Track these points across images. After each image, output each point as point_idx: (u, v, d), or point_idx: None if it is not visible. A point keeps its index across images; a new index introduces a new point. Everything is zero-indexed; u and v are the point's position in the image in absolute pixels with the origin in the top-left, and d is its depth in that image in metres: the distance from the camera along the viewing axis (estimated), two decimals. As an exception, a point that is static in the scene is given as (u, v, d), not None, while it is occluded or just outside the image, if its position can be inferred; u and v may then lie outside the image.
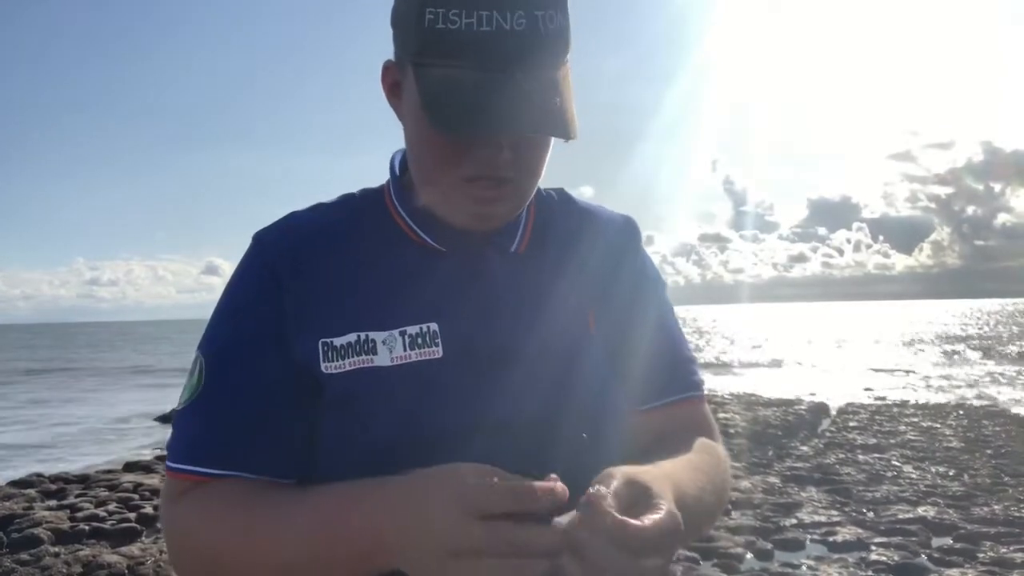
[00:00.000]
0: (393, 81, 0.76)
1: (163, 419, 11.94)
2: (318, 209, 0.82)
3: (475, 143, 0.69)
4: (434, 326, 0.73)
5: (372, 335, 0.72)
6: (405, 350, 0.72)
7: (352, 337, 0.72)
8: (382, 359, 0.71)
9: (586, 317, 0.78)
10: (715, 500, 0.76)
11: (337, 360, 0.72)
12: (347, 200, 0.83)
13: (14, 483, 6.61)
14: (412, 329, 0.73)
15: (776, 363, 20.78)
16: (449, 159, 0.71)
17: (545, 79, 0.69)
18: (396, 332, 0.73)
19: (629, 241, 0.87)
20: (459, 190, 0.72)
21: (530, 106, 0.67)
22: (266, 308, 0.74)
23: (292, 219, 0.80)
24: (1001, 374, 16.37)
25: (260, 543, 0.66)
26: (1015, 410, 10.30)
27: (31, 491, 6.21)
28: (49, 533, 4.83)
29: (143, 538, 4.91)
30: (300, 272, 0.75)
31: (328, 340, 0.72)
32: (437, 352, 0.72)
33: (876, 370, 17.17)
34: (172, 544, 0.73)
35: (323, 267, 0.76)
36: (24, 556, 4.44)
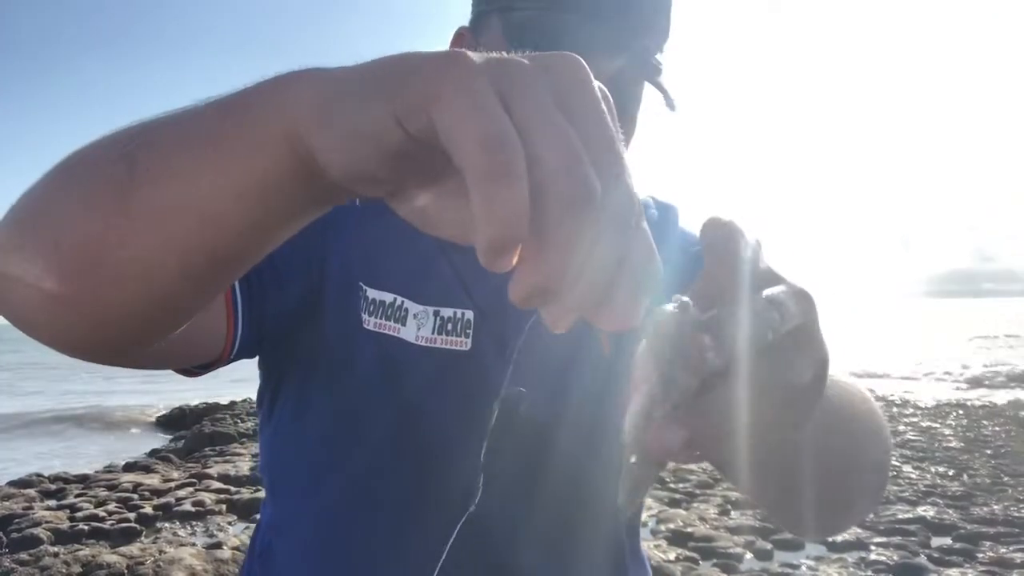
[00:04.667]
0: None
1: (163, 421, 11.94)
2: None
3: None
4: (469, 314, 0.68)
5: (408, 304, 0.67)
6: (433, 332, 0.67)
7: (389, 297, 0.67)
8: (408, 333, 0.66)
9: (598, 334, 0.73)
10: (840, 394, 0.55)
11: (366, 315, 0.67)
12: None
13: (14, 483, 6.60)
14: (446, 312, 0.68)
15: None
16: None
17: (643, 43, 0.62)
18: (431, 310, 0.67)
19: (664, 234, 0.79)
20: None
21: (630, 53, 0.60)
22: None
23: None
24: (1001, 374, 16.36)
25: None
26: (1015, 410, 10.29)
27: (31, 491, 6.20)
28: (49, 533, 4.83)
29: (143, 538, 4.91)
30: (359, 209, 0.69)
31: (364, 288, 0.67)
32: (465, 344, 0.67)
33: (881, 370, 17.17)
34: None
35: (377, 215, 0.69)
36: (24, 556, 4.44)
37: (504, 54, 0.30)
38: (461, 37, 0.71)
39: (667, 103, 0.65)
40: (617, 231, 0.28)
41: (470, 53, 0.30)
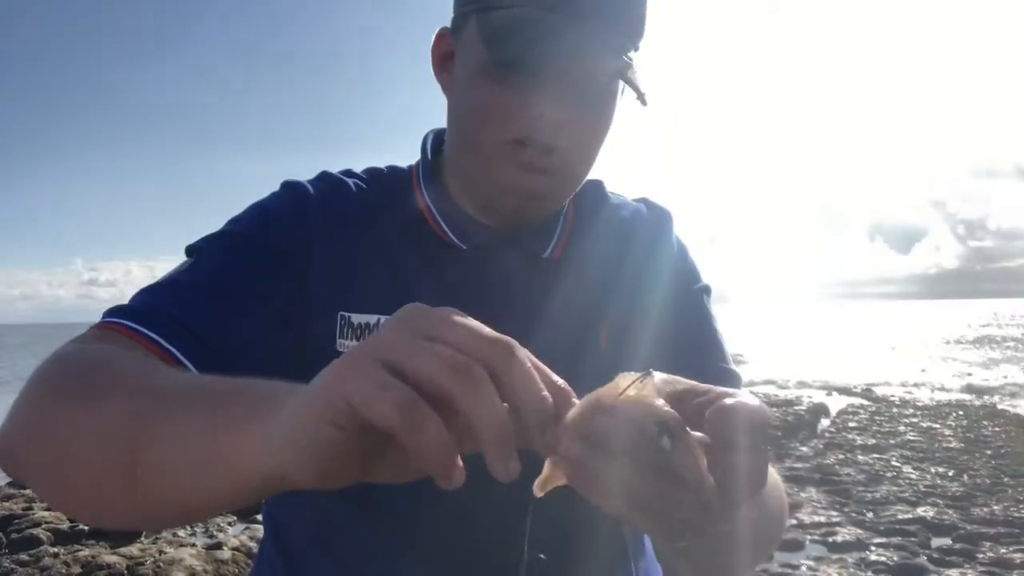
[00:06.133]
0: (444, 52, 0.72)
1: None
2: (350, 175, 0.78)
3: (530, 101, 0.64)
4: None
5: None
6: None
7: (372, 319, 0.68)
8: None
9: (598, 332, 0.74)
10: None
11: (351, 339, 0.68)
12: (376, 176, 0.79)
13: (14, 483, 6.61)
14: None
15: (776, 363, 20.78)
16: (499, 117, 0.65)
17: (619, 42, 0.64)
18: None
19: (659, 239, 0.82)
20: (505, 157, 0.67)
21: (603, 47, 0.63)
22: (280, 239, 0.70)
23: (327, 176, 0.77)
24: (1000, 374, 16.38)
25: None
26: (1015, 410, 10.29)
27: (30, 491, 6.21)
28: (48, 534, 4.83)
29: (142, 539, 4.91)
30: (331, 232, 0.72)
31: (346, 314, 0.69)
32: None
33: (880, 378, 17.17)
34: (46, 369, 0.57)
35: (351, 236, 0.72)
36: (23, 556, 4.44)
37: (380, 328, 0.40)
38: (442, 38, 0.72)
39: (639, 99, 0.66)
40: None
41: (357, 346, 0.40)
